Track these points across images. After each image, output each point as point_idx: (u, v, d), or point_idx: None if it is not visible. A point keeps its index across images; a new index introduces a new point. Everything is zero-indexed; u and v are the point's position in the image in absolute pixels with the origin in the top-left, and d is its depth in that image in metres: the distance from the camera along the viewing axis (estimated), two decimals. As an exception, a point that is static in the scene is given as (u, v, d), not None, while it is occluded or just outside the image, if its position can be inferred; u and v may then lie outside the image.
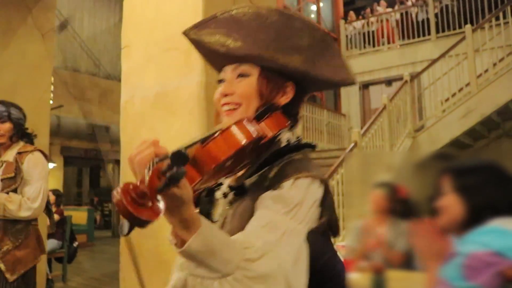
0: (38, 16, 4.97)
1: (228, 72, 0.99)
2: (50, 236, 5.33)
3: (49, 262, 5.84)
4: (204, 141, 0.79)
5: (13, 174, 2.53)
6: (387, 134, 6.93)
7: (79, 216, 10.18)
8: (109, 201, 15.54)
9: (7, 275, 2.39)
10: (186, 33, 1.03)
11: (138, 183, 0.67)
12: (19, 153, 2.58)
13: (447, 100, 7.37)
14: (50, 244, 5.60)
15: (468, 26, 7.51)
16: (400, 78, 8.23)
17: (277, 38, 0.96)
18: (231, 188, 0.98)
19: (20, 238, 2.49)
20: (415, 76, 7.86)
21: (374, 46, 10.67)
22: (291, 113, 1.01)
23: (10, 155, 2.61)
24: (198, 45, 1.02)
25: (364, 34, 10.87)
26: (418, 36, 10.00)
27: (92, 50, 12.43)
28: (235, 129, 0.81)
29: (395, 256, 2.78)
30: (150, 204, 0.66)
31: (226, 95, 0.97)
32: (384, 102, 7.07)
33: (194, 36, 1.01)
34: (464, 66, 7.31)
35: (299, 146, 0.99)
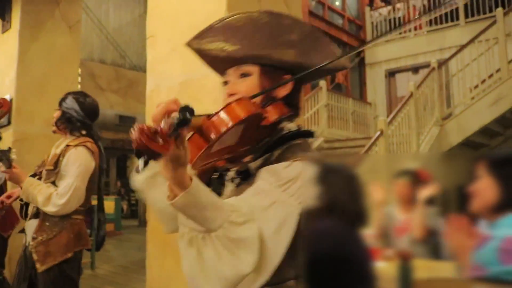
0: (65, 9, 5.07)
1: (231, 74, 1.08)
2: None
3: (79, 250, 5.99)
4: (210, 115, 0.91)
5: (52, 167, 2.46)
6: (414, 122, 6.82)
7: (106, 205, 10.18)
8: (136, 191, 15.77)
9: (37, 265, 2.37)
10: (189, 44, 1.10)
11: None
12: (67, 145, 2.47)
13: (476, 87, 7.19)
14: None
15: (500, 9, 7.29)
16: (427, 65, 8.06)
17: (270, 37, 1.05)
18: (238, 172, 1.08)
19: (54, 231, 2.42)
20: (443, 63, 7.68)
21: (400, 33, 10.48)
22: (291, 104, 1.10)
23: (60, 147, 2.53)
24: (201, 53, 1.10)
25: (390, 20, 10.68)
26: (446, 22, 9.76)
27: (118, 41, 12.58)
28: (236, 105, 0.92)
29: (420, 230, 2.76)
30: (161, 141, 0.77)
31: (231, 95, 1.05)
32: (410, 89, 6.95)
33: (196, 45, 1.09)
34: (494, 52, 7.11)
35: (299, 133, 1.08)
